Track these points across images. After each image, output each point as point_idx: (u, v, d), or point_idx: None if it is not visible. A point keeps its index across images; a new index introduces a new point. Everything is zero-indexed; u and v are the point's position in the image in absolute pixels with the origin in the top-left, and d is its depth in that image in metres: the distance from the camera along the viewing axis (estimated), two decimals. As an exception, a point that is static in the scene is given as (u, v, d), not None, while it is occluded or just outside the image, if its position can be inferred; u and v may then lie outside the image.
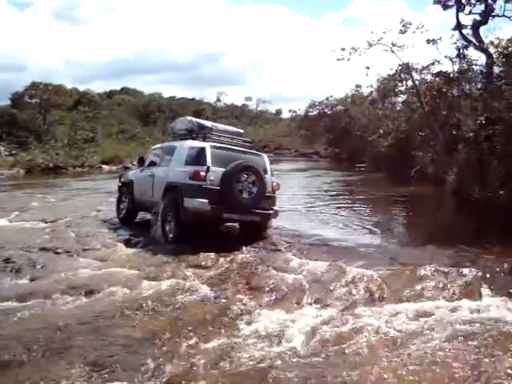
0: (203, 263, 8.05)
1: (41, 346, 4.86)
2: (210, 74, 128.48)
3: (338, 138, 49.16)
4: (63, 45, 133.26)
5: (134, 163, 34.62)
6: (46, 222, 11.96)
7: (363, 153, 38.16)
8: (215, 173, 9.28)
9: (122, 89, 78.86)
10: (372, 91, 42.23)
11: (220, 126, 11.46)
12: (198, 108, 68.67)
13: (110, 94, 74.16)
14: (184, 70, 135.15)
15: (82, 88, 67.28)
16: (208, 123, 11.33)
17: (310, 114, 57.72)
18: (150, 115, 64.13)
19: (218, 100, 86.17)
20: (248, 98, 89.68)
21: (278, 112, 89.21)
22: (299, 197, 18.06)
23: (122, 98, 71.38)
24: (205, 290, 6.73)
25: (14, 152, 39.87)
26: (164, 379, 4.28)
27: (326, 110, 55.01)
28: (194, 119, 11.38)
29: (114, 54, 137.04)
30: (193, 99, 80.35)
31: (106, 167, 35.69)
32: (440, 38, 22.69)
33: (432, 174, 22.83)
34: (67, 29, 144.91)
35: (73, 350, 4.80)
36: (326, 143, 55.14)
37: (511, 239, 9.87)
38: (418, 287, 6.65)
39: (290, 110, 71.89)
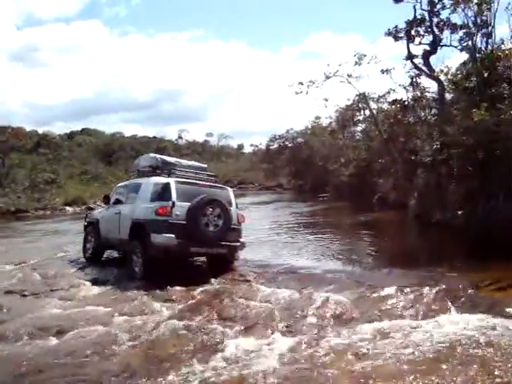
0: (173, 297, 8.11)
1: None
2: (171, 112, 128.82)
3: (300, 169, 49.69)
4: (21, 87, 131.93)
5: (98, 203, 34.68)
6: (12, 265, 11.82)
7: (325, 183, 38.69)
8: (181, 207, 9.39)
9: (83, 129, 78.39)
10: (331, 122, 43.01)
11: (184, 162, 11.61)
12: (159, 146, 68.57)
13: (71, 135, 73.64)
14: (145, 108, 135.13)
15: (41, 130, 66.81)
16: (171, 159, 11.48)
17: (272, 147, 58.35)
18: (112, 155, 63.87)
19: (180, 137, 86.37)
20: (209, 134, 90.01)
21: (240, 147, 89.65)
22: (264, 228, 18.12)
23: (82, 138, 70.99)
24: (176, 322, 6.75)
25: (-28, 196, 39.20)
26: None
27: (286, 143, 55.69)
28: (158, 156, 11.53)
29: (74, 94, 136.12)
30: (154, 137, 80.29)
31: (69, 209, 35.29)
32: (393, 68, 23.68)
33: (393, 199, 23.34)
34: (25, 71, 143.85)
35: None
36: (289, 175, 55.68)
37: (472, 257, 10.26)
38: (386, 307, 6.87)
39: (251, 145, 72.89)
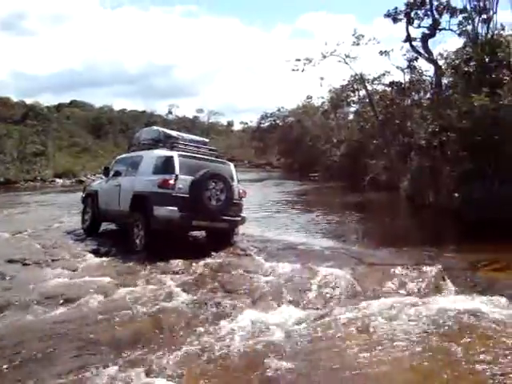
0: (176, 269, 8.13)
1: (28, 354, 4.86)
2: (161, 87, 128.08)
3: (290, 148, 49.80)
4: (9, 56, 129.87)
5: (89, 177, 34.63)
6: (10, 234, 11.77)
7: (316, 162, 38.79)
8: (184, 181, 9.38)
9: (71, 102, 77.50)
10: (324, 102, 43.02)
11: (186, 136, 11.54)
12: (149, 120, 68.02)
13: (59, 107, 72.72)
14: (135, 82, 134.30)
15: (29, 101, 65.80)
16: (174, 133, 11.41)
17: (262, 125, 58.36)
18: (101, 128, 63.42)
19: (170, 112, 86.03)
20: (199, 110, 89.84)
21: (230, 124, 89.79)
22: (258, 205, 18.25)
23: (71, 110, 70.19)
24: (182, 294, 6.83)
25: (-41, 167, 38.78)
26: (152, 375, 4.39)
27: (277, 122, 55.71)
28: (161, 129, 11.49)
29: (63, 66, 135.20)
30: (144, 112, 79.76)
31: (59, 181, 35.17)
32: (392, 50, 23.81)
33: (385, 181, 23.54)
34: (13, 40, 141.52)
35: (60, 356, 4.84)
36: (279, 154, 55.83)
37: (466, 239, 10.44)
38: (387, 284, 7.01)
39: (241, 122, 72.71)
